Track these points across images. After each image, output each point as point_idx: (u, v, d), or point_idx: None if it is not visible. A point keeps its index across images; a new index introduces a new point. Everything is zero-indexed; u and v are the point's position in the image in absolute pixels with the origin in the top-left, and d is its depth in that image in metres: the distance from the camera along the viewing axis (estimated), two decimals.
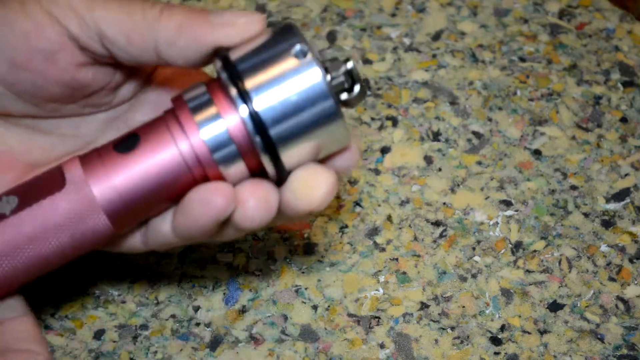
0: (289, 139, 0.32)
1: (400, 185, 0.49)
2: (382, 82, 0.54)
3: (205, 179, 0.33)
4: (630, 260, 0.46)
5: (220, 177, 0.33)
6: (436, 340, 0.44)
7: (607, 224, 0.48)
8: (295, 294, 0.45)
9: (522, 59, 0.55)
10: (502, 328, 0.44)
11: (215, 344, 0.44)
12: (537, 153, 0.51)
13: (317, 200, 0.34)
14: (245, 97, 0.32)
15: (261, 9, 0.57)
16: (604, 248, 0.47)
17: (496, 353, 0.43)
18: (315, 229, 0.48)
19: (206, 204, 0.33)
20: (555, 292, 0.45)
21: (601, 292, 0.45)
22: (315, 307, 0.45)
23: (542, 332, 0.44)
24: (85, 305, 0.45)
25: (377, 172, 0.50)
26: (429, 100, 0.53)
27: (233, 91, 0.32)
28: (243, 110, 0.32)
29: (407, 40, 0.56)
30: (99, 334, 0.44)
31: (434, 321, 0.44)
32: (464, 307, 0.45)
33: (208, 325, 0.44)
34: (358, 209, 0.48)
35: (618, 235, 0.47)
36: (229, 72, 0.32)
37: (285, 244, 0.47)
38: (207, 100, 0.32)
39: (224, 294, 0.45)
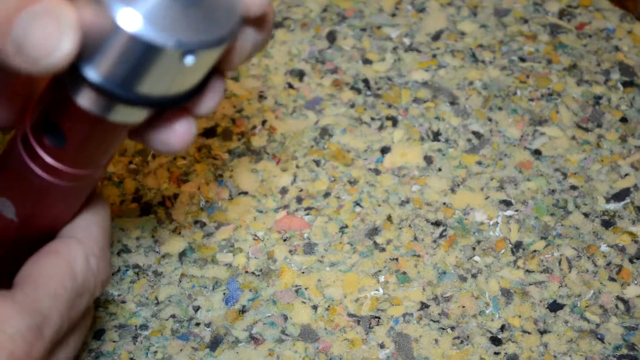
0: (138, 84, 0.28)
1: (400, 185, 0.49)
2: (382, 82, 0.54)
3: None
4: (630, 260, 0.46)
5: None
6: (436, 340, 0.44)
7: (607, 224, 0.48)
8: (295, 294, 0.45)
9: (522, 59, 0.55)
10: (502, 328, 0.44)
11: (215, 344, 0.44)
12: (537, 153, 0.51)
13: None
14: (73, 74, 0.28)
15: None
16: (604, 248, 0.47)
17: (496, 353, 0.43)
18: (315, 229, 0.48)
19: (167, 143, 0.32)
20: (555, 292, 0.45)
21: (601, 292, 0.45)
22: (315, 307, 0.45)
23: (542, 332, 0.44)
24: None
25: (377, 172, 0.50)
26: (429, 100, 0.53)
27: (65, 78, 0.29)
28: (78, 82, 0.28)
29: (407, 40, 0.56)
30: (99, 334, 0.44)
31: (434, 321, 0.44)
32: (464, 307, 0.45)
33: (208, 325, 0.44)
34: (358, 209, 0.48)
35: (618, 235, 0.47)
36: None
37: (285, 244, 0.47)
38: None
39: (224, 294, 0.45)
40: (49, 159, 0.31)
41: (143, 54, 0.27)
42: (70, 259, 0.32)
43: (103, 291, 0.45)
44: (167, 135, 0.31)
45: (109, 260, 0.34)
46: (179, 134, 0.31)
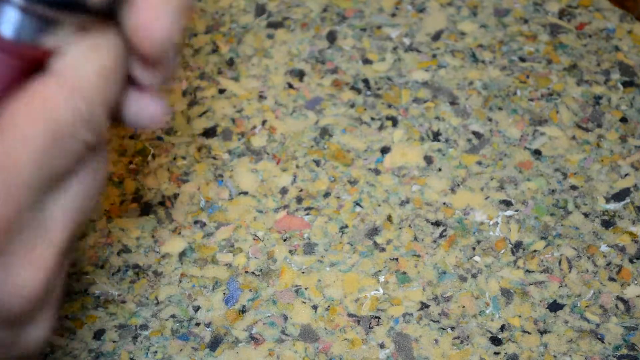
0: None
1: (400, 185, 0.49)
2: (382, 82, 0.54)
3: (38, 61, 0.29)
4: (630, 260, 0.46)
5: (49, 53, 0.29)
6: (436, 340, 0.44)
7: (607, 224, 0.48)
8: (295, 294, 0.45)
9: (522, 59, 0.55)
10: (502, 328, 0.44)
11: (215, 344, 0.44)
12: (537, 153, 0.51)
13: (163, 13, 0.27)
14: None
15: (261, 8, 0.57)
16: (604, 248, 0.47)
17: (496, 353, 0.43)
18: (315, 229, 0.48)
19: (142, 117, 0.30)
20: (555, 292, 0.45)
21: (601, 292, 0.45)
22: (315, 307, 0.45)
23: (542, 332, 0.44)
24: (85, 305, 0.45)
25: (377, 172, 0.50)
26: (429, 100, 0.53)
27: None
28: None
29: (407, 40, 0.56)
30: (99, 334, 0.44)
31: (434, 321, 0.44)
32: (464, 307, 0.45)
33: (208, 325, 0.44)
34: (358, 209, 0.48)
35: (618, 235, 0.47)
36: None
37: (285, 244, 0.47)
38: None
39: (224, 294, 0.45)
40: None
41: None
42: (48, 100, 0.27)
43: (103, 291, 0.45)
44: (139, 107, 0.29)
45: (108, 108, 0.28)
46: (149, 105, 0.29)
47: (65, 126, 0.26)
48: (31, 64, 0.29)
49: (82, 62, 0.27)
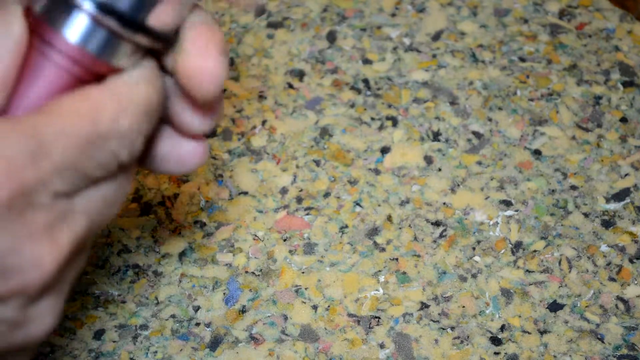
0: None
1: (400, 185, 0.49)
2: (382, 82, 0.54)
3: (100, 76, 0.30)
4: (630, 260, 0.46)
5: (113, 70, 0.30)
6: (436, 340, 0.44)
7: (607, 224, 0.48)
8: (295, 294, 0.45)
9: (522, 59, 0.55)
10: (502, 328, 0.44)
11: (215, 344, 0.44)
12: (537, 153, 0.51)
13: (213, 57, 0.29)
14: None
15: (261, 9, 0.57)
16: (604, 248, 0.47)
17: (496, 353, 0.43)
18: (315, 229, 0.48)
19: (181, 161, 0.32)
20: (555, 292, 0.45)
21: (601, 292, 0.45)
22: (315, 307, 0.45)
23: (542, 332, 0.44)
24: (85, 305, 0.45)
25: (377, 172, 0.50)
26: (429, 100, 0.53)
27: None
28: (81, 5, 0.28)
29: (407, 40, 0.56)
30: (99, 334, 0.44)
31: (434, 321, 0.44)
32: (464, 307, 0.45)
33: (208, 325, 0.44)
34: (358, 209, 0.48)
35: (618, 235, 0.47)
36: None
37: (285, 244, 0.47)
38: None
39: (224, 294, 0.45)
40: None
41: None
42: (97, 104, 0.28)
43: (103, 291, 0.45)
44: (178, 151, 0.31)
45: (145, 138, 0.29)
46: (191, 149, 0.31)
47: (104, 134, 0.28)
48: (89, 75, 0.30)
49: (136, 85, 0.29)
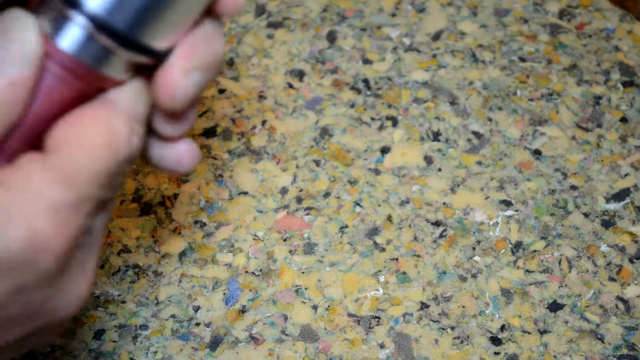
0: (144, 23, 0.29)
1: (400, 185, 0.49)
2: (382, 82, 0.54)
3: (99, 88, 0.30)
4: (630, 260, 0.46)
5: (113, 82, 0.30)
6: (436, 340, 0.44)
7: (607, 224, 0.48)
8: (295, 294, 0.45)
9: (522, 59, 0.55)
10: (502, 328, 0.44)
11: (215, 344, 0.44)
12: (537, 153, 0.51)
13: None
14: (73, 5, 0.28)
15: (261, 9, 0.57)
16: (604, 248, 0.47)
17: (496, 353, 0.43)
18: (315, 229, 0.48)
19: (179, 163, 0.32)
20: (555, 292, 0.45)
21: (601, 292, 0.45)
22: (315, 307, 0.45)
23: (542, 332, 0.44)
24: (85, 305, 0.45)
25: (377, 172, 0.50)
26: (429, 100, 0.53)
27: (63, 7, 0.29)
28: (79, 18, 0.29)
29: (407, 40, 0.56)
30: (99, 334, 0.44)
31: (434, 321, 0.44)
32: (464, 307, 0.45)
33: (208, 325, 0.44)
34: (358, 209, 0.48)
35: (618, 235, 0.47)
36: None
37: (285, 244, 0.47)
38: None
39: (224, 294, 0.45)
40: None
41: None
42: (112, 131, 0.28)
43: (103, 291, 0.45)
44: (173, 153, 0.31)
45: (143, 138, 0.30)
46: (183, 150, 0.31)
47: (122, 160, 0.28)
48: (87, 87, 0.30)
49: (136, 100, 0.29)
